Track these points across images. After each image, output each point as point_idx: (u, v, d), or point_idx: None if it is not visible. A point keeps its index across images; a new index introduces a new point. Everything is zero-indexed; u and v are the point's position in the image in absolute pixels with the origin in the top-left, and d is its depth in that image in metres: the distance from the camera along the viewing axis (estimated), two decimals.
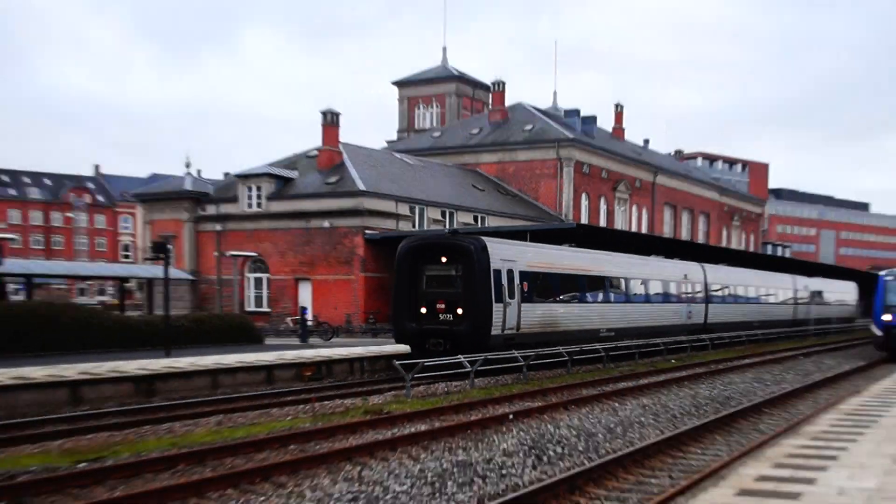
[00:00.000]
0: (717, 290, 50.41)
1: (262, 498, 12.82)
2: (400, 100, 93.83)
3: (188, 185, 62.06)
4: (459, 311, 30.42)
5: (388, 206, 55.05)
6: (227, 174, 72.04)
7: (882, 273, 44.08)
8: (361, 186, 54.73)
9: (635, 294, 41.41)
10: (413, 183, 61.47)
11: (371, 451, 16.27)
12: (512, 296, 31.04)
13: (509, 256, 31.48)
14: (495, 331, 30.15)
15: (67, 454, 15.90)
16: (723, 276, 52.11)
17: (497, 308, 30.29)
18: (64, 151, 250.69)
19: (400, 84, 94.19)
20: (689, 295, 46.60)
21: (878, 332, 41.44)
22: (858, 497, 10.23)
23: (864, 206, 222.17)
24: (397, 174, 61.96)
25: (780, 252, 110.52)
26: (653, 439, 17.74)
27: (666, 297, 44.28)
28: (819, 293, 71.01)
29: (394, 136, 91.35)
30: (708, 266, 49.86)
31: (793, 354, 43.63)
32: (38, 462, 15.06)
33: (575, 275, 36.17)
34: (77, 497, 12.87)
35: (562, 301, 35.32)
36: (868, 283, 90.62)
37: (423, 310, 31.09)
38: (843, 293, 77.65)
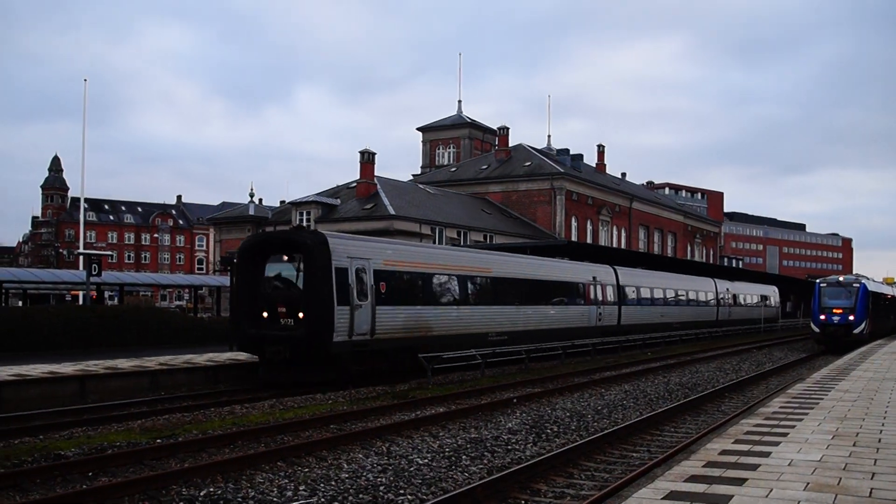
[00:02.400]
0: (631, 292, 42.87)
1: (307, 469, 12.47)
2: (423, 142, 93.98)
3: (251, 211, 62.46)
4: (300, 315, 22.90)
5: (413, 227, 55.05)
6: (282, 202, 72.20)
7: (818, 281, 43.97)
8: (392, 211, 55.03)
9: (533, 296, 33.17)
10: (434, 208, 61.40)
11: (398, 430, 15.88)
12: (363, 297, 23.47)
13: (360, 254, 23.93)
14: (339, 337, 22.58)
15: (147, 432, 15.60)
16: (638, 279, 44.53)
17: (341, 311, 22.66)
18: (153, 185, 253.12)
19: (423, 129, 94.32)
20: (600, 297, 38.74)
21: (816, 329, 41.56)
22: (805, 468, 9.93)
23: (801, 227, 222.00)
24: (421, 201, 61.92)
25: (733, 264, 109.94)
26: (633, 419, 17.34)
27: (571, 299, 36.48)
28: (742, 296, 64.53)
29: (418, 171, 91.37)
30: (621, 269, 42.57)
31: (747, 348, 43.21)
32: (122, 438, 14.76)
33: (453, 275, 28.14)
34: (153, 468, 12.53)
35: (436, 303, 27.17)
36: (790, 286, 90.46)
37: (265, 314, 23.42)
38: (765, 296, 71.03)
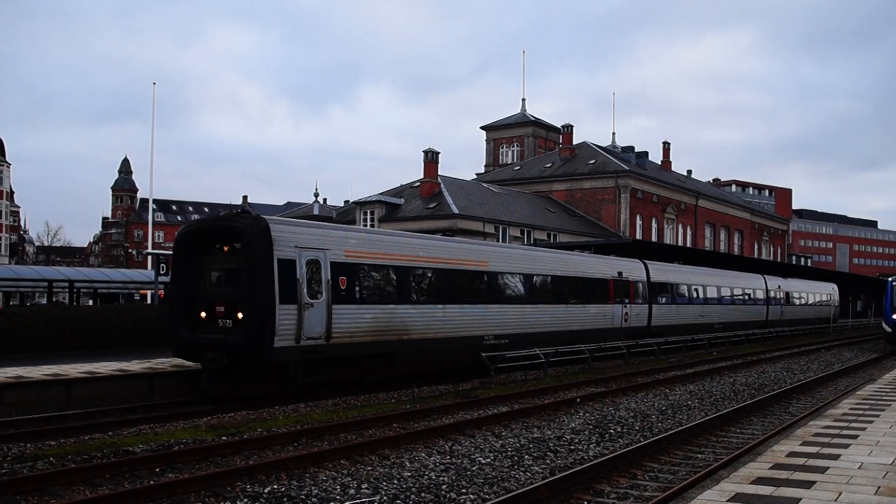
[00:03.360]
0: (665, 290, 38.65)
1: (369, 467, 12.54)
2: (487, 141, 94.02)
3: (316, 211, 62.98)
4: (240, 315, 19.40)
5: (476, 225, 55.08)
6: (346, 201, 72.81)
7: (890, 279, 42.96)
8: (455, 210, 55.17)
9: (540, 293, 29.26)
10: (497, 207, 61.34)
11: (460, 429, 15.88)
12: (316, 294, 19.89)
13: (313, 243, 20.32)
14: (283, 341, 19.02)
15: (212, 429, 15.80)
16: (673, 275, 40.20)
17: (285, 311, 19.07)
18: (219, 185, 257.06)
19: (487, 128, 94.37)
20: (626, 295, 34.61)
21: (888, 329, 40.55)
22: (877, 471, 9.79)
23: (872, 224, 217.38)
24: (484, 200, 61.92)
25: (802, 262, 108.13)
26: (698, 420, 17.13)
27: (590, 298, 32.07)
28: (796, 294, 59.95)
29: (482, 170, 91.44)
30: (652, 263, 38.11)
31: (815, 348, 42.41)
32: (189, 435, 14.98)
33: (438, 269, 24.39)
34: (219, 465, 12.70)
35: (415, 301, 23.37)
36: (860, 284, 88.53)
37: (203, 314, 20.14)
38: (822, 294, 66.15)
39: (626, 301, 34.74)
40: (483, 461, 13.01)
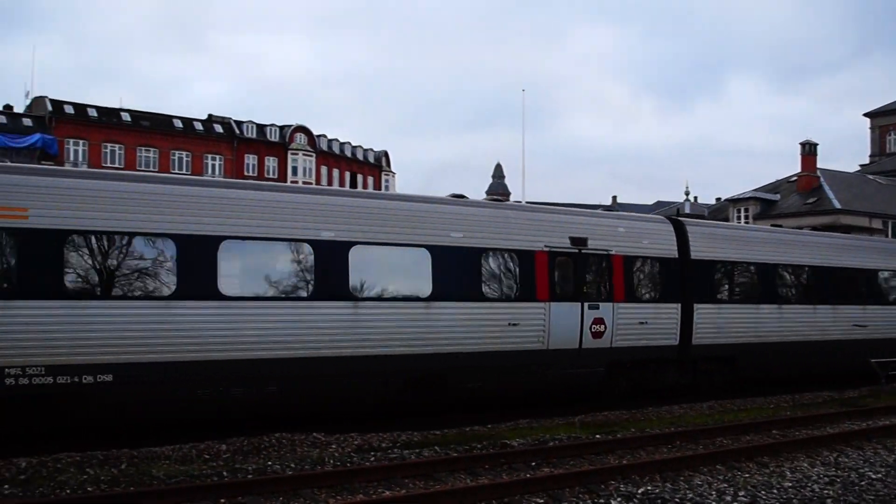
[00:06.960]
0: (728, 275, 21.10)
1: (747, 475, 12.11)
2: (871, 128, 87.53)
3: (687, 209, 62.18)
4: None
5: (861, 221, 51.61)
6: (718, 199, 71.19)
7: None
8: (837, 205, 52.21)
9: (265, 277, 14.55)
10: (886, 201, 57.02)
11: (846, 440, 14.85)
12: None
13: None
14: None
15: (586, 427, 16.07)
16: (758, 249, 21.73)
17: None
18: (588, 186, 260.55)
19: (871, 115, 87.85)
20: (597, 283, 18.64)
21: None
22: None
23: None
24: (870, 194, 57.82)
25: None
26: None
27: (465, 288, 16.66)
28: None
29: (865, 160, 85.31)
30: (696, 225, 21.61)
31: None
32: (563, 432, 15.32)
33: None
34: (592, 462, 12.86)
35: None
36: None
37: None
38: None
39: (597, 296, 18.51)
40: (873, 476, 12.12)
